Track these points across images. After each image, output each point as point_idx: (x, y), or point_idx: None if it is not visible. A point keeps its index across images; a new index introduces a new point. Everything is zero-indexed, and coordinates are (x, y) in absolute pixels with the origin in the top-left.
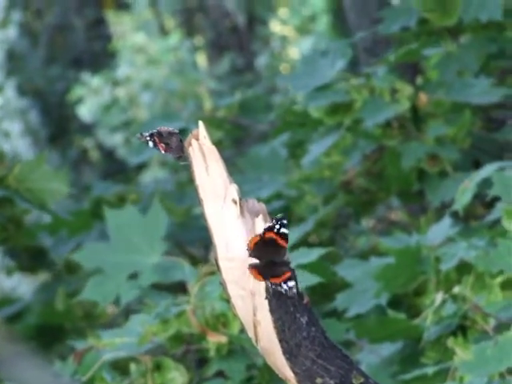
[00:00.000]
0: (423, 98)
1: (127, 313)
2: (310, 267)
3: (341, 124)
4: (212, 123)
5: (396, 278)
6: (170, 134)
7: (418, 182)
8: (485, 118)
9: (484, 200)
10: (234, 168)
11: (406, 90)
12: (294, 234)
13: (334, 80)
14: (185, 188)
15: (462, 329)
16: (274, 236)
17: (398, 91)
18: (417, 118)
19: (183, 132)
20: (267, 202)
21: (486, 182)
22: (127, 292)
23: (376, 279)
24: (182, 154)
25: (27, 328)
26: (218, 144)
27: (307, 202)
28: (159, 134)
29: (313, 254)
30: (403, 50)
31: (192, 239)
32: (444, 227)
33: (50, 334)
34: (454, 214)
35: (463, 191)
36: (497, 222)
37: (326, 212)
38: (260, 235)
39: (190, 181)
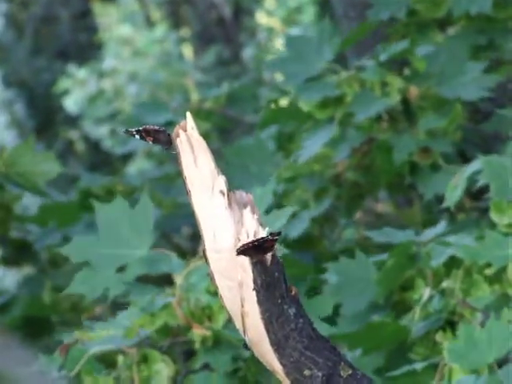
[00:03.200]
0: (414, 90)
1: (113, 305)
2: (293, 263)
3: (332, 118)
4: (199, 115)
5: (393, 277)
6: (157, 131)
7: (409, 175)
8: (471, 109)
9: (471, 192)
10: (221, 160)
11: (397, 82)
12: (291, 230)
13: (324, 71)
14: (172, 179)
15: (450, 324)
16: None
17: (388, 84)
18: (408, 111)
19: (170, 124)
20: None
21: (475, 177)
22: (116, 286)
23: (377, 283)
24: (170, 146)
25: (13, 320)
26: (205, 136)
27: (298, 197)
28: (146, 131)
29: (283, 217)
30: (395, 48)
31: (178, 227)
32: (438, 228)
33: (36, 327)
34: (444, 209)
35: (453, 187)
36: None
37: (321, 209)
38: (250, 241)
39: (177, 172)
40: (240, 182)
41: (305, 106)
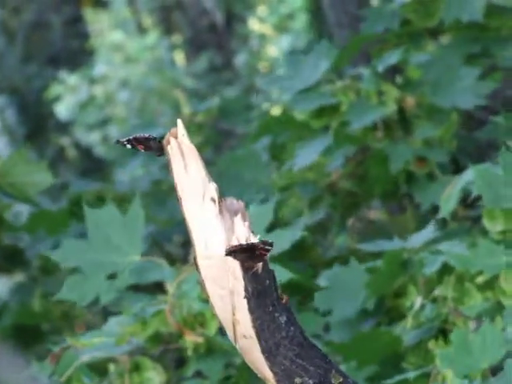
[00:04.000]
0: (410, 100)
1: (105, 313)
2: (285, 267)
3: (327, 127)
4: (191, 128)
5: (384, 283)
6: (147, 139)
7: (405, 184)
8: (465, 116)
9: (465, 201)
10: (213, 170)
11: (393, 92)
12: (284, 240)
13: (319, 82)
14: (162, 186)
15: (442, 332)
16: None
17: (384, 93)
18: (404, 120)
19: (162, 139)
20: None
21: (469, 186)
22: (106, 293)
23: (366, 287)
24: (161, 153)
25: (4, 328)
26: (198, 149)
27: (292, 206)
28: (136, 139)
29: (285, 241)
30: (390, 58)
31: (169, 235)
32: (426, 231)
33: (27, 335)
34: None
35: (447, 197)
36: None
37: (315, 219)
38: (242, 245)
39: (169, 179)
40: (233, 191)
41: (299, 115)
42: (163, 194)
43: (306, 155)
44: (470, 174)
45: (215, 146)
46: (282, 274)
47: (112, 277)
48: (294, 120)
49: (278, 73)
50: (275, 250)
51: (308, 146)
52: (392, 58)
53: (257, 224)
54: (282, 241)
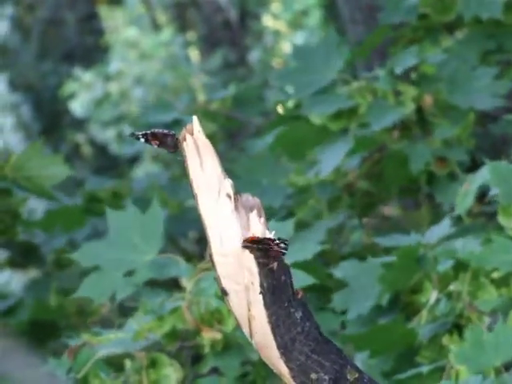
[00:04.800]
0: (428, 99)
1: (121, 310)
2: (304, 268)
3: (345, 129)
4: (206, 116)
5: (398, 278)
6: (165, 135)
7: (426, 184)
8: (480, 113)
9: (481, 198)
10: (227, 163)
11: (410, 91)
12: (306, 251)
13: (333, 82)
14: (178, 181)
15: (457, 327)
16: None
17: (401, 93)
18: (421, 119)
19: (177, 123)
20: (272, 213)
21: (486, 184)
22: (122, 289)
23: (380, 282)
24: (176, 149)
25: (20, 324)
26: (211, 137)
27: (311, 207)
28: (153, 134)
29: (308, 251)
30: (407, 59)
31: (185, 231)
32: (442, 227)
33: (43, 330)
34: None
35: (464, 195)
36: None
37: (336, 222)
38: (259, 238)
39: (184, 174)
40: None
41: (317, 118)
42: (175, 180)
43: (330, 161)
44: (485, 172)
45: (229, 135)
46: (304, 280)
47: (129, 274)
48: (311, 124)
49: (289, 66)
50: (297, 259)
51: (329, 151)
52: (408, 60)
53: None
54: (304, 252)
